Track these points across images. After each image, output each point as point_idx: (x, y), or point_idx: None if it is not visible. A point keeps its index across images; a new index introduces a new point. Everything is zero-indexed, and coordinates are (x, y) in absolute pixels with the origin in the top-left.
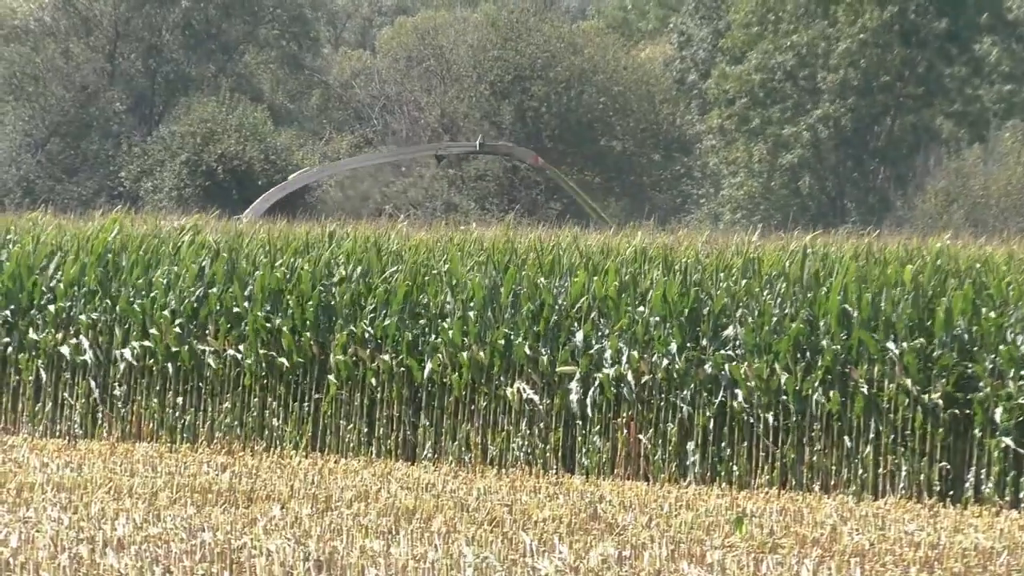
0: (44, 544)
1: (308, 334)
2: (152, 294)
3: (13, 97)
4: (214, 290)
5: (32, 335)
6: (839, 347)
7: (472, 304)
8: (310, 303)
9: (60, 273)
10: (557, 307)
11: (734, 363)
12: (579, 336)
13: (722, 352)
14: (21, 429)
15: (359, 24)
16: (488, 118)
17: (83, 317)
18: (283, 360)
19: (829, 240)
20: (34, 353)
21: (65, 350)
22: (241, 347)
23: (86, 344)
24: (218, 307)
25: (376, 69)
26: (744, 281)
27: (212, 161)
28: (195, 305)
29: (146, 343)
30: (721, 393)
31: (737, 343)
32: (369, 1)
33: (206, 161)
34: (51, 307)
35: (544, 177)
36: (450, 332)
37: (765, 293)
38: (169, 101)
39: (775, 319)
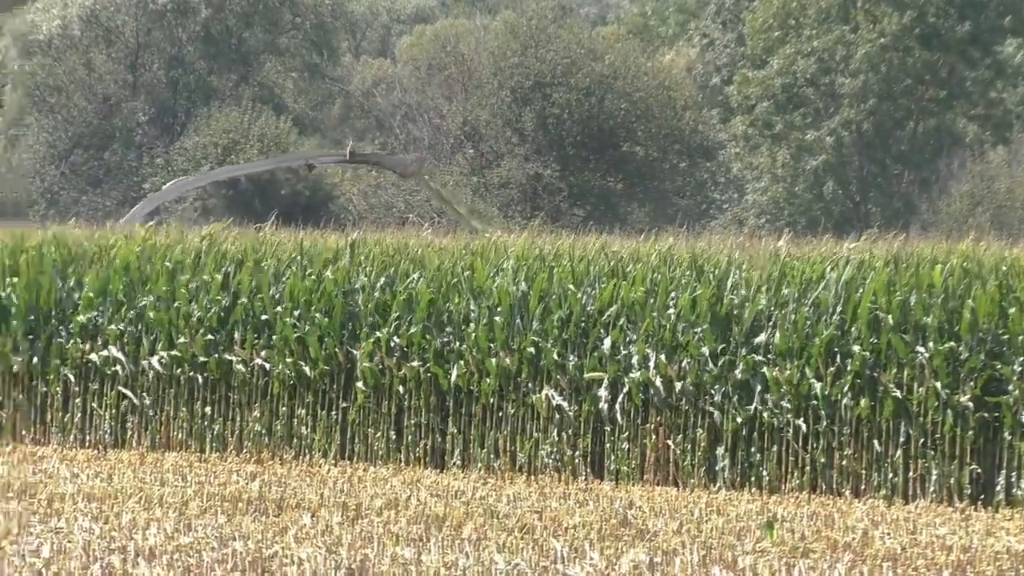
0: (76, 554)
1: (335, 342)
2: (177, 303)
3: (36, 109)
4: (241, 299)
5: (59, 346)
6: (869, 352)
7: (499, 311)
8: (333, 311)
9: (85, 284)
10: (585, 313)
11: (765, 368)
12: (607, 342)
13: (753, 357)
14: (51, 440)
15: (379, 33)
16: (510, 125)
17: (111, 327)
18: (311, 368)
19: (859, 245)
20: (61, 363)
21: (94, 360)
22: (268, 355)
23: (116, 354)
24: (245, 316)
25: (397, 77)
26: (775, 286)
27: (372, 168)
28: (222, 314)
29: (174, 352)
30: (751, 398)
31: (770, 347)
32: (388, 9)
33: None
34: (77, 318)
35: (423, 184)
36: (475, 338)
37: (797, 298)
38: (191, 111)
39: (807, 324)
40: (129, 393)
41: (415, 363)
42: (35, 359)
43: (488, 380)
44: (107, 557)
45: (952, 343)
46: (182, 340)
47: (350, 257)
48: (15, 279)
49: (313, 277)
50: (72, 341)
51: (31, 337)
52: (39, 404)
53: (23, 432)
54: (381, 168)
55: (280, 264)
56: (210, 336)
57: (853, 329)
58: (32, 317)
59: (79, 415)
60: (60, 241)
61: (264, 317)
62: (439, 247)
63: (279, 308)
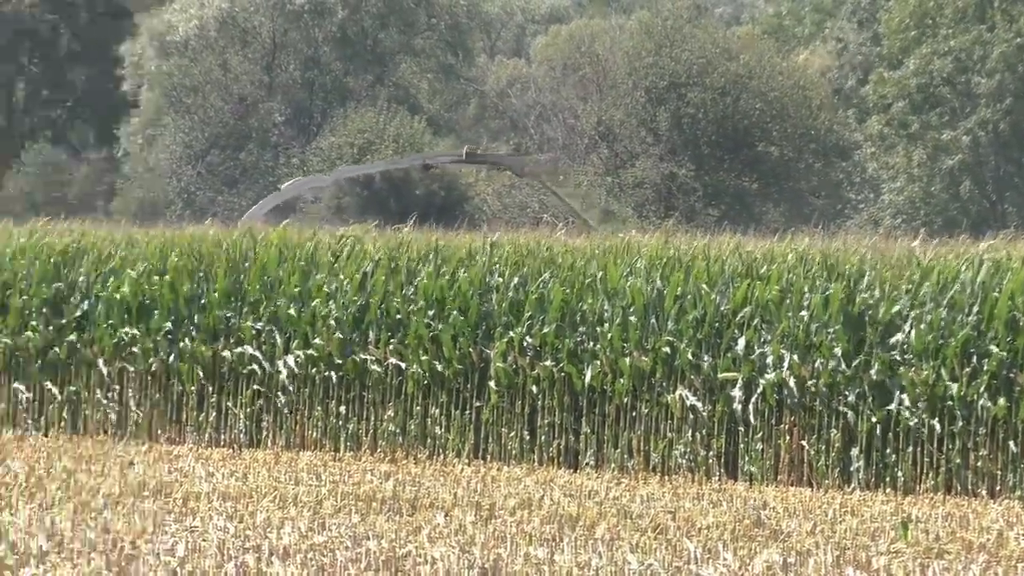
0: (211, 553)
1: (469, 342)
2: (313, 303)
3: (173, 109)
4: (375, 299)
5: (192, 345)
6: (1006, 352)
7: (632, 311)
8: (468, 311)
9: (217, 284)
10: (719, 313)
11: (900, 368)
12: (741, 342)
13: (888, 357)
14: (187, 439)
15: (513, 33)
16: (645, 125)
17: (247, 326)
18: (445, 368)
19: (995, 244)
20: (195, 363)
21: (229, 359)
22: (403, 355)
23: (251, 353)
24: (379, 316)
25: (532, 77)
26: (912, 287)
27: (493, 169)
28: (357, 314)
29: (309, 352)
30: (886, 399)
31: (906, 347)
32: (522, 9)
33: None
34: (213, 317)
35: (540, 183)
36: (609, 338)
37: (935, 299)
38: (327, 112)
39: (943, 324)
40: (258, 393)
41: (549, 363)
42: (172, 358)
43: (622, 380)
44: (241, 556)
45: None
46: (317, 340)
47: (486, 257)
48: (156, 278)
49: (448, 277)
50: (208, 341)
51: (169, 337)
52: (175, 403)
53: (159, 431)
54: (497, 168)
55: (415, 264)
56: (345, 336)
57: (990, 329)
58: (171, 316)
59: (214, 414)
60: (198, 241)
61: (398, 317)
62: (573, 247)
63: (413, 308)
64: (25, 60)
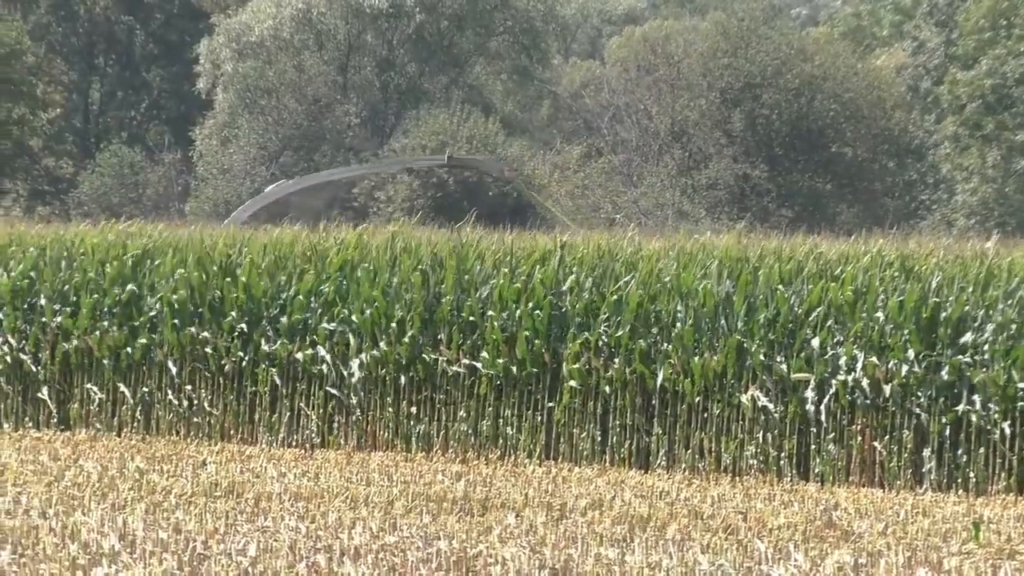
0: (282, 553)
1: (542, 343)
2: (385, 304)
3: (247, 111)
4: (447, 300)
5: (266, 346)
6: None
7: (704, 311)
8: (540, 312)
9: (295, 284)
10: (792, 314)
11: (971, 370)
12: (815, 342)
13: (959, 359)
14: (259, 439)
15: (588, 34)
16: (719, 126)
17: (322, 327)
18: (517, 369)
19: None
20: (269, 364)
21: (300, 359)
22: (477, 355)
23: (324, 354)
24: (451, 317)
25: (606, 78)
26: (982, 287)
27: (443, 173)
28: (427, 315)
29: (380, 353)
30: (958, 400)
31: (981, 349)
32: (598, 11)
33: (437, 173)
34: (284, 318)
35: (517, 186)
36: (681, 339)
37: (1006, 299)
38: (401, 113)
39: (1013, 325)
40: (330, 394)
41: (622, 364)
42: (245, 359)
43: (694, 381)
44: (313, 556)
45: None
46: (387, 341)
47: (559, 258)
48: (228, 279)
49: (524, 278)
50: (280, 341)
51: (242, 337)
52: (248, 404)
53: (231, 432)
54: (479, 172)
55: (488, 265)
56: (416, 337)
57: None
58: (245, 317)
59: (287, 415)
60: (274, 242)
61: (471, 318)
62: (647, 248)
63: (488, 309)
64: (101, 61)
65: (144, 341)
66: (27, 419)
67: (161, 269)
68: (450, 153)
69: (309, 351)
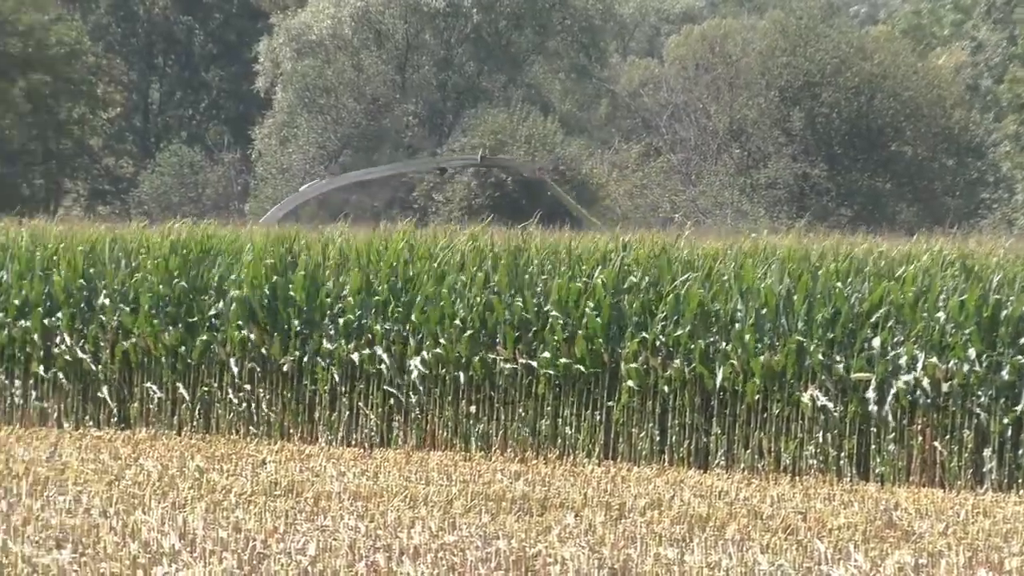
0: (342, 552)
1: (600, 342)
2: (442, 303)
3: (306, 110)
4: (503, 298)
5: (326, 345)
6: None
7: (764, 311)
8: (600, 312)
9: (349, 284)
10: (852, 313)
11: None
12: (875, 342)
13: (1020, 358)
14: (318, 438)
15: (646, 33)
16: (778, 125)
17: (377, 327)
18: (577, 368)
19: None
20: (328, 363)
21: (358, 358)
22: (534, 355)
23: (381, 354)
24: (509, 315)
25: (664, 77)
26: None
27: (501, 172)
28: (484, 314)
29: (438, 351)
30: (1018, 400)
31: None
32: (656, 10)
33: (496, 173)
34: (342, 318)
35: (547, 187)
36: (744, 339)
37: None
38: (459, 112)
39: None
40: (388, 394)
41: (681, 363)
42: (305, 358)
43: (754, 380)
44: (372, 555)
45: None
46: (446, 340)
47: (621, 257)
48: (287, 278)
49: (585, 278)
50: (339, 341)
51: (302, 336)
52: (307, 403)
53: (291, 431)
54: (509, 172)
55: (547, 264)
56: (475, 336)
57: None
58: (304, 316)
59: (346, 414)
60: (327, 240)
61: (528, 316)
62: (707, 247)
63: (545, 308)
64: (160, 61)
65: (203, 340)
66: (88, 418)
67: (220, 268)
68: (483, 153)
69: (366, 350)
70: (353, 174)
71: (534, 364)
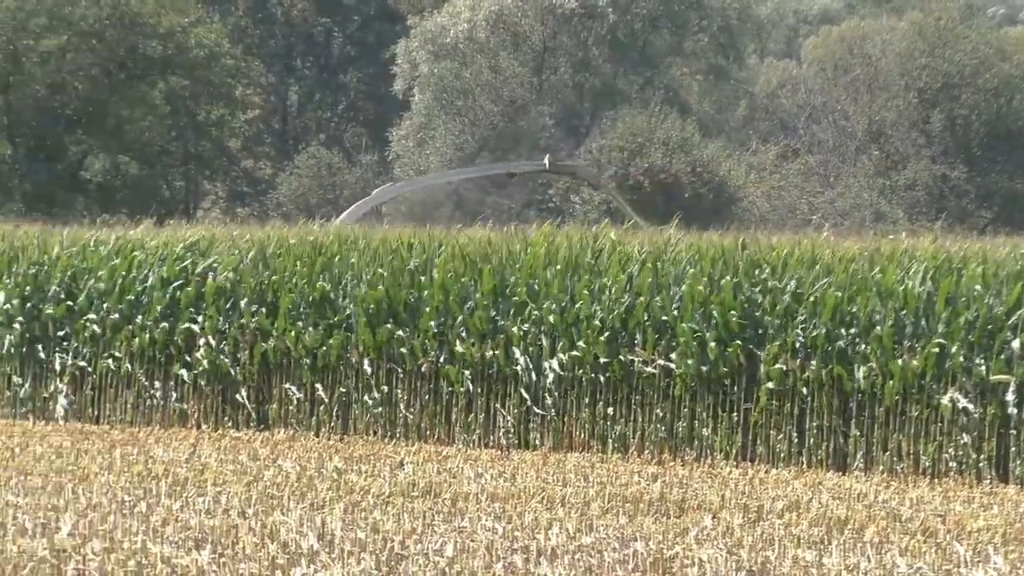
0: (479, 553)
1: (737, 344)
2: (578, 305)
3: (443, 112)
4: (641, 299)
5: (460, 347)
6: None
7: (904, 313)
8: (734, 313)
9: (482, 286)
10: (991, 315)
11: None
12: (1015, 344)
13: None
14: (455, 440)
15: (784, 34)
16: (916, 126)
17: (514, 329)
18: (713, 369)
19: None
20: (463, 365)
21: (494, 360)
22: (673, 357)
23: (517, 355)
24: (646, 317)
25: (802, 78)
26: None
27: (639, 174)
28: (623, 316)
29: (575, 353)
30: None
31: None
32: (794, 11)
33: (633, 175)
34: (475, 319)
35: (609, 193)
36: (880, 340)
37: None
38: (596, 114)
39: None
40: (525, 395)
41: (819, 365)
42: (441, 360)
43: (892, 382)
44: (509, 557)
45: None
46: (583, 342)
47: (745, 258)
48: (422, 279)
49: (718, 278)
50: (473, 342)
51: (437, 338)
52: (444, 404)
53: (428, 432)
54: (576, 178)
55: (681, 265)
56: (609, 337)
57: None
58: (440, 318)
59: (482, 416)
60: (462, 241)
61: (665, 318)
62: (844, 249)
63: (681, 309)
64: (298, 63)
65: (339, 341)
66: (226, 419)
67: (355, 268)
68: (551, 158)
69: (501, 351)
70: (427, 177)
71: (672, 366)
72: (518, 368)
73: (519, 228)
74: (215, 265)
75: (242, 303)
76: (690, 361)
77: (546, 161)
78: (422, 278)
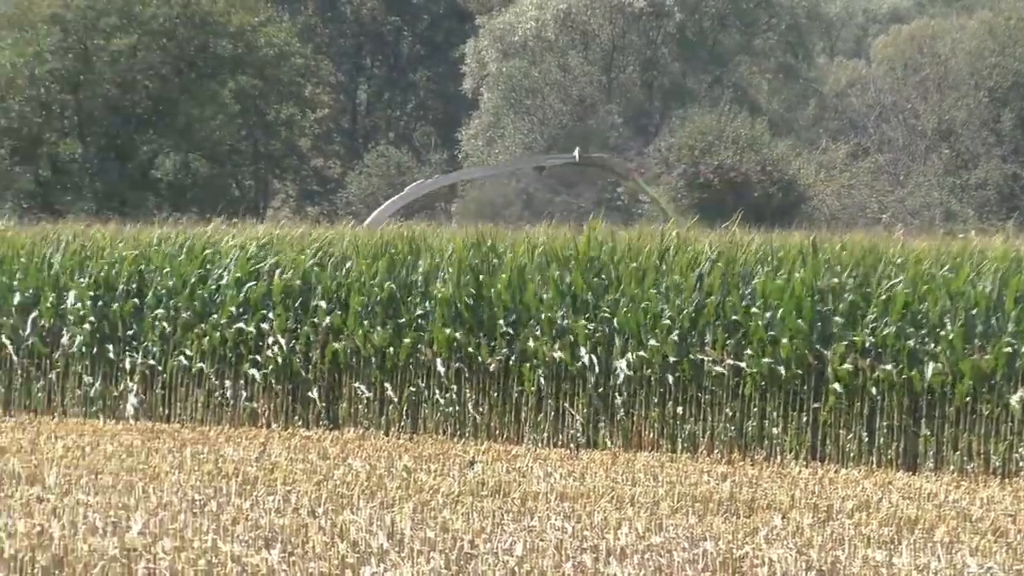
0: (548, 552)
1: (806, 343)
2: (646, 304)
3: (512, 111)
4: (712, 299)
5: (531, 345)
6: None
7: (975, 312)
8: (803, 312)
9: (552, 285)
10: None
11: None
12: None
13: None
14: (524, 439)
15: (853, 33)
16: (987, 125)
17: (582, 328)
18: (783, 369)
19: None
20: (534, 363)
21: (564, 359)
22: (746, 355)
23: (585, 355)
24: (716, 317)
25: (872, 77)
26: None
27: (709, 173)
28: (693, 315)
29: (643, 353)
30: None
31: None
32: (863, 10)
33: (703, 173)
34: (548, 318)
35: (639, 187)
36: (950, 339)
37: None
38: (665, 113)
39: None
40: (594, 394)
41: (889, 364)
42: (511, 358)
43: (963, 382)
44: (579, 556)
45: None
46: (653, 342)
47: (817, 257)
48: (491, 278)
49: (785, 277)
50: (544, 341)
51: (507, 337)
52: (513, 403)
53: (497, 431)
54: (606, 171)
55: (751, 264)
56: (679, 336)
57: None
58: (508, 317)
59: (552, 415)
60: (531, 241)
61: (735, 318)
62: (915, 248)
63: (753, 309)
64: (368, 62)
65: (410, 340)
66: (296, 418)
67: (425, 268)
68: (581, 152)
69: (569, 351)
70: (457, 173)
71: (742, 365)
72: (587, 367)
73: (591, 224)
74: (282, 264)
75: (315, 302)
76: (762, 360)
77: (576, 154)
78: (491, 277)
